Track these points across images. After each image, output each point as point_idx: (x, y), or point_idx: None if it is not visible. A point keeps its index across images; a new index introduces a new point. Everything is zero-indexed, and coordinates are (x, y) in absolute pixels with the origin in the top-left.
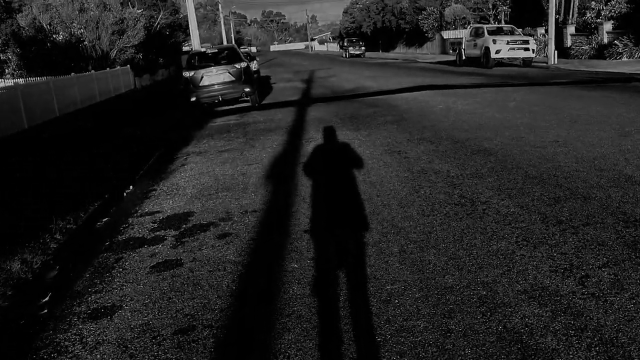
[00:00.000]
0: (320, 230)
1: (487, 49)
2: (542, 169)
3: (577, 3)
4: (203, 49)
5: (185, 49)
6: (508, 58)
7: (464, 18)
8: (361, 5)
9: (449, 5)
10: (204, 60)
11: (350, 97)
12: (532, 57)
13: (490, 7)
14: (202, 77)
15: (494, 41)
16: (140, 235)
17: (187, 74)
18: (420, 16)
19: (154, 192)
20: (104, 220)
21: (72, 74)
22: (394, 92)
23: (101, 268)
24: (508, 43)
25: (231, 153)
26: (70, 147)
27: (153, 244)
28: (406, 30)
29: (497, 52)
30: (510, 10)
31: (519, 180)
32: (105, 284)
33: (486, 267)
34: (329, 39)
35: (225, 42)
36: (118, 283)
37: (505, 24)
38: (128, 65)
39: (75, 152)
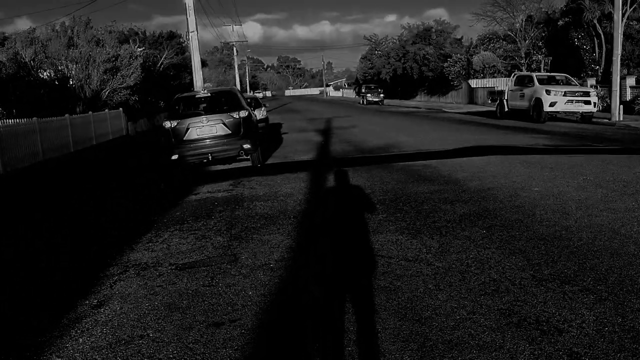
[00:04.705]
0: None
1: (539, 100)
2: None
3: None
4: (192, 93)
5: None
6: (564, 112)
7: (493, 66)
8: (380, 52)
9: (477, 53)
10: (192, 106)
11: (384, 160)
12: (593, 112)
13: (523, 55)
14: (187, 129)
15: (548, 92)
16: None
17: (168, 124)
18: (445, 63)
19: None
20: None
21: (34, 118)
22: (444, 156)
23: None
24: (565, 95)
25: (195, 277)
26: None
27: None
28: (429, 77)
29: (552, 104)
30: (551, 59)
31: None
32: None
33: None
34: (345, 85)
35: (238, 86)
36: None
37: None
38: (121, 109)
39: None
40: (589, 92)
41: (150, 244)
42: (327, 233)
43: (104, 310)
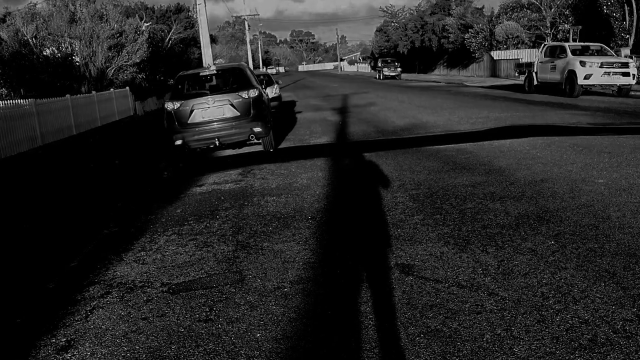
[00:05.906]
0: None
1: (573, 72)
2: None
3: None
4: (196, 71)
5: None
6: (600, 85)
7: (517, 37)
8: (397, 24)
9: (499, 23)
10: (197, 85)
11: (409, 143)
12: (632, 85)
13: (548, 24)
14: (191, 111)
15: (582, 63)
16: None
17: (170, 105)
18: (466, 35)
19: None
20: None
21: (31, 99)
22: (478, 138)
23: None
24: (602, 66)
25: (190, 305)
26: None
27: None
28: (449, 50)
29: (587, 77)
30: (580, 28)
31: None
32: None
33: None
34: (359, 59)
35: (250, 62)
36: None
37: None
38: (127, 88)
39: None
40: (627, 62)
41: (143, 253)
42: (352, 242)
43: (70, 357)
